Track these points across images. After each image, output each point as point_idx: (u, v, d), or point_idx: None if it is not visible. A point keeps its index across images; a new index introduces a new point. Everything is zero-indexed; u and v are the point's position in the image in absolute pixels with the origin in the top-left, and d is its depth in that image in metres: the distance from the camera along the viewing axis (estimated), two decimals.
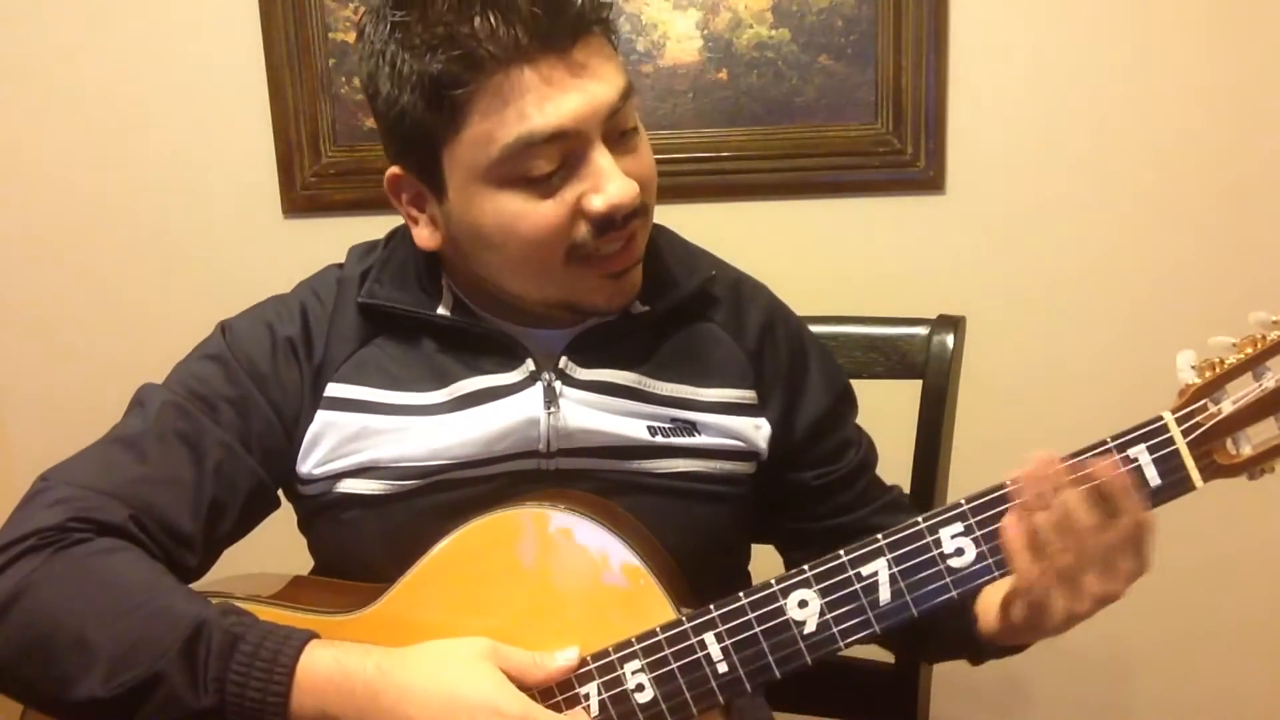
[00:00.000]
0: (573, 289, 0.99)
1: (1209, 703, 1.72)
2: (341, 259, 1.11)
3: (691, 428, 1.04)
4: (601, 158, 0.93)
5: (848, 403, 1.14)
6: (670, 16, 1.65)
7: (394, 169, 1.00)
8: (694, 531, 1.03)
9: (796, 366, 1.10)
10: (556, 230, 0.94)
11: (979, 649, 1.01)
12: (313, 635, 0.89)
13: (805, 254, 1.69)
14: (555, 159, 0.93)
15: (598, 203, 0.93)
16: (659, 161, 1.62)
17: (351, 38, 1.72)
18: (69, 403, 1.87)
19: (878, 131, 1.64)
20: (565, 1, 0.91)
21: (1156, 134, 1.59)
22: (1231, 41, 1.55)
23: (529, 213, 0.94)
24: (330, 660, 0.87)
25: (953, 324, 1.27)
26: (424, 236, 1.01)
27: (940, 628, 0.99)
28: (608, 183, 0.93)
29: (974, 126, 1.63)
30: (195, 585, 1.03)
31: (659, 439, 1.03)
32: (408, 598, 0.97)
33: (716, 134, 1.67)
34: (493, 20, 0.89)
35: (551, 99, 0.91)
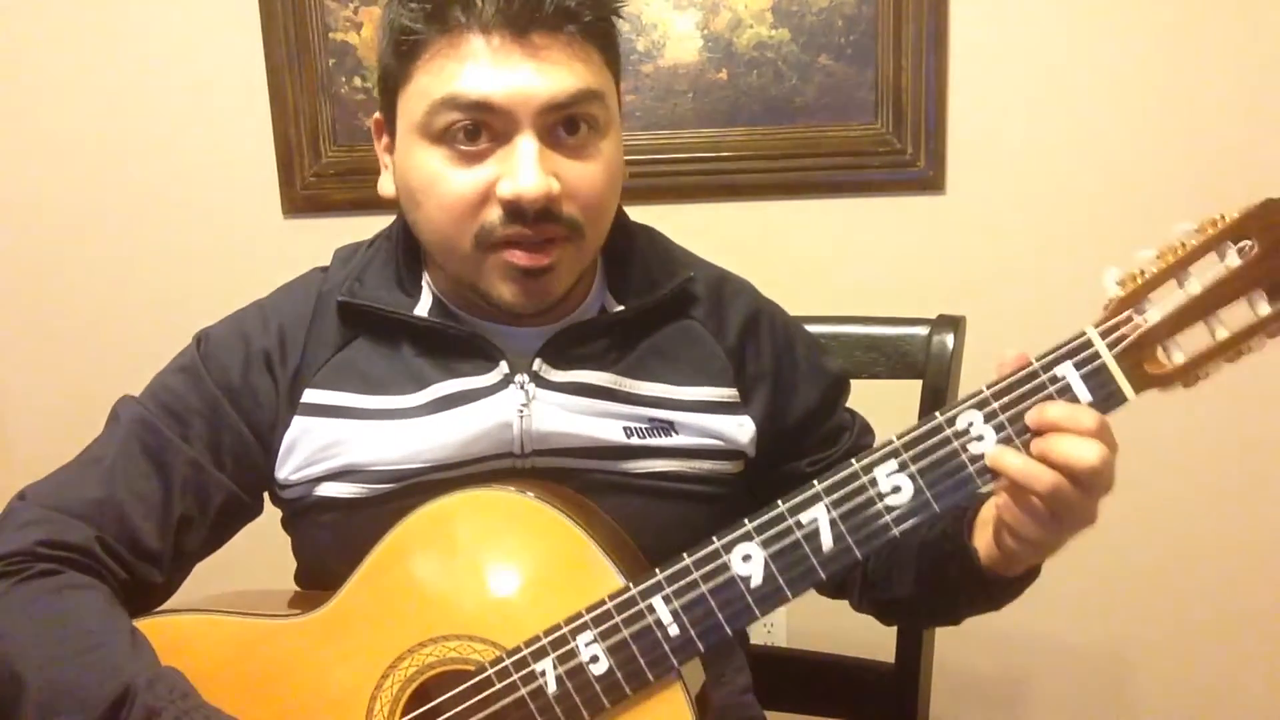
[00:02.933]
0: (480, 275, 0.98)
1: (1209, 703, 1.72)
2: None
3: (669, 428, 1.03)
4: (524, 144, 0.93)
5: (839, 391, 1.14)
6: (670, 16, 1.66)
7: (377, 114, 1.03)
8: (675, 531, 1.01)
9: (783, 363, 1.09)
10: (467, 202, 0.94)
11: (989, 586, 0.97)
12: None
13: (805, 254, 1.70)
14: (479, 131, 0.93)
15: (504, 188, 0.93)
16: (659, 161, 1.67)
17: (352, 38, 1.73)
18: (69, 402, 1.87)
19: (878, 131, 1.64)
20: None
21: (1157, 134, 1.59)
22: (1233, 41, 1.55)
23: (445, 176, 0.95)
24: None
25: (953, 324, 1.27)
26: (384, 183, 1.03)
27: (945, 578, 0.99)
28: (520, 171, 0.92)
29: (974, 126, 1.63)
30: (179, 598, 1.05)
31: (635, 440, 1.02)
32: (362, 590, 0.97)
33: (716, 134, 1.67)
34: None
35: (487, 70, 0.91)
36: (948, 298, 1.44)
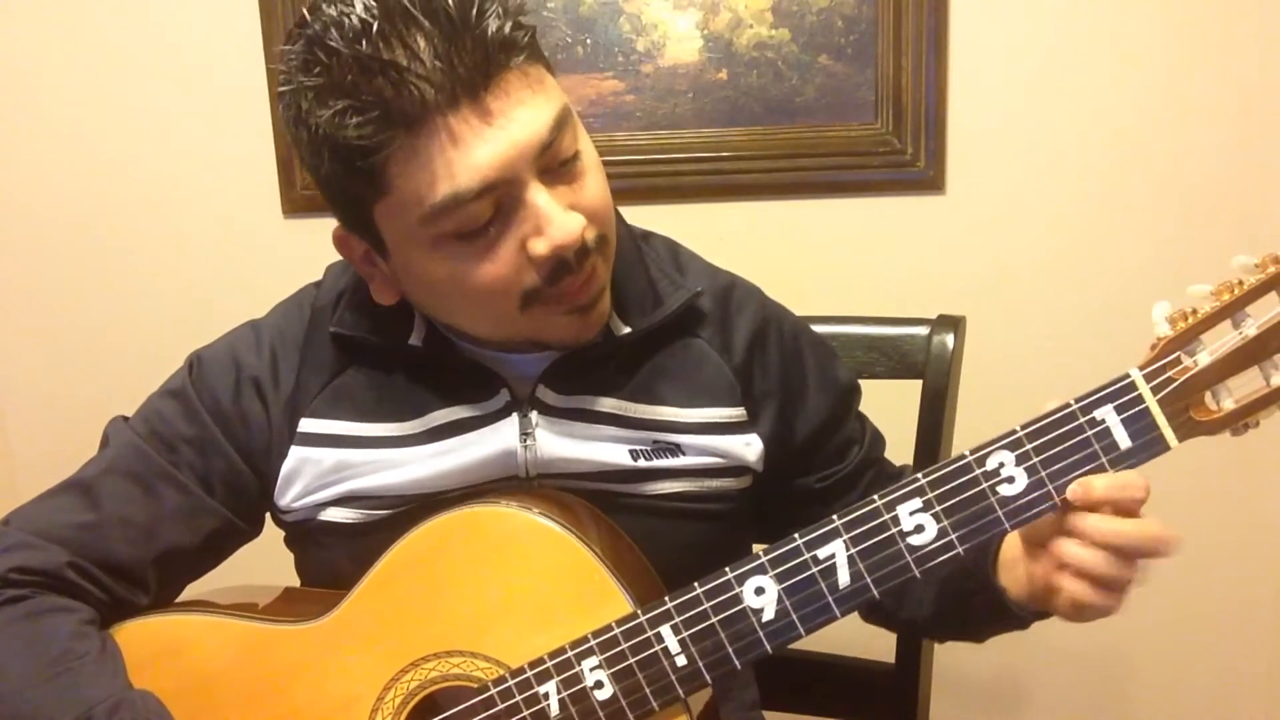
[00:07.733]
0: (535, 329, 0.95)
1: (1209, 703, 1.72)
2: None
3: (675, 449, 1.01)
4: (537, 197, 0.87)
5: (849, 402, 1.11)
6: (670, 16, 1.65)
7: (338, 228, 0.97)
8: (687, 550, 1.00)
9: (792, 376, 1.07)
10: (504, 282, 0.90)
11: (1018, 617, 0.96)
12: None
13: (805, 254, 1.69)
14: (488, 209, 0.87)
15: (540, 246, 0.88)
16: (659, 161, 1.67)
17: None
18: (70, 403, 1.87)
19: (878, 131, 1.64)
20: (470, 44, 0.83)
21: (1157, 134, 1.59)
22: (1232, 43, 1.55)
23: (471, 270, 0.89)
24: None
25: (953, 324, 1.27)
26: (380, 291, 0.98)
27: (968, 610, 0.98)
28: (548, 223, 0.87)
29: (974, 126, 1.62)
30: (188, 592, 1.05)
31: (641, 463, 1.00)
32: (368, 600, 0.96)
33: (716, 134, 1.67)
34: (394, 77, 0.82)
35: (467, 155, 0.85)
36: (948, 298, 1.44)
